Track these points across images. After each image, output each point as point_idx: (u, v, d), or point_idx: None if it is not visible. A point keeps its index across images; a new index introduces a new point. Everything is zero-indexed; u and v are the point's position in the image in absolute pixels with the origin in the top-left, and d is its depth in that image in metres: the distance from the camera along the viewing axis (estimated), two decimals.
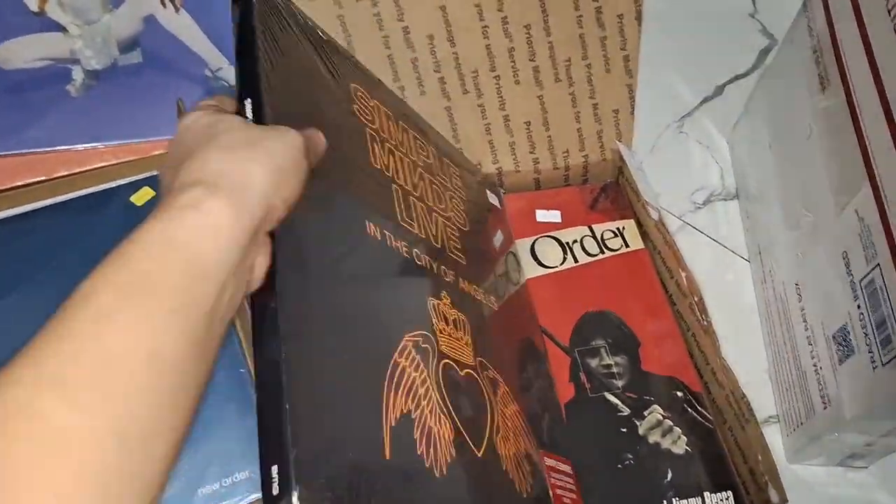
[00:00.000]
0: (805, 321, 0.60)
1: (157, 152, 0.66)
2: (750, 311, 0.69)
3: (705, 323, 0.60)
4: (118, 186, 0.63)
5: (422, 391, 0.42)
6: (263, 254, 0.35)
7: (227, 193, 0.31)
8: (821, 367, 0.58)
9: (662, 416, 0.57)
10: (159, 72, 0.68)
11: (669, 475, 0.55)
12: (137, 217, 0.30)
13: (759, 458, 0.56)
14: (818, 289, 0.59)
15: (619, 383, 0.58)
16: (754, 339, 0.68)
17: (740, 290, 0.70)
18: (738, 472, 0.58)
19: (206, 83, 0.69)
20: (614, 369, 0.59)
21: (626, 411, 0.57)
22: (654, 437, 0.56)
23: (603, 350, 0.60)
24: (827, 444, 0.58)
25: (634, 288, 0.64)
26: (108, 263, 0.28)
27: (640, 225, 0.68)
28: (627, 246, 0.65)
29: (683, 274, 0.62)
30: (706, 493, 0.55)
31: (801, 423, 0.61)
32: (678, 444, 0.56)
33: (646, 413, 0.57)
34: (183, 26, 0.68)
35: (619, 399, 0.58)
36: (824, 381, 0.57)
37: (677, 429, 0.57)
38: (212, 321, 0.30)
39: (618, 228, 0.67)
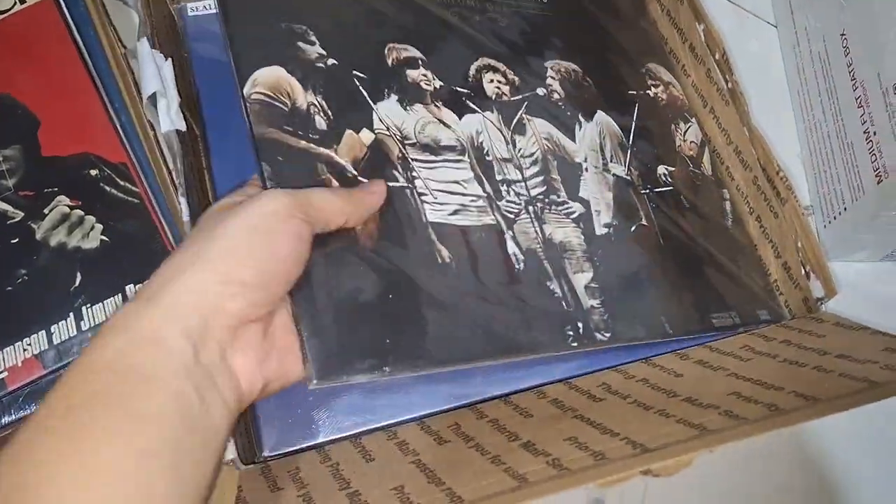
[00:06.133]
0: (854, 79, 0.48)
1: None
2: (777, 86, 0.57)
3: (730, 85, 0.48)
4: None
5: None
6: (248, 358, 0.32)
7: (147, 301, 0.30)
8: (874, 133, 0.46)
9: (70, 206, 0.43)
10: None
11: (78, 279, 0.42)
12: None
13: (800, 244, 0.45)
14: (872, 32, 0.46)
15: (11, 182, 0.44)
16: (784, 119, 0.56)
17: (766, 63, 0.57)
18: (768, 270, 0.47)
19: None
20: (3, 166, 0.44)
21: (18, 216, 0.43)
22: (57, 238, 0.43)
23: None
24: (878, 228, 0.48)
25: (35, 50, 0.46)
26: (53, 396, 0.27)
27: None
28: None
29: (701, 27, 0.49)
30: (127, 287, 0.42)
31: (845, 209, 0.50)
32: (91, 236, 0.43)
33: (47, 210, 0.43)
34: None
35: (9, 203, 0.43)
36: (879, 150, 0.46)
37: (90, 217, 0.43)
38: (184, 432, 0.28)
39: None
